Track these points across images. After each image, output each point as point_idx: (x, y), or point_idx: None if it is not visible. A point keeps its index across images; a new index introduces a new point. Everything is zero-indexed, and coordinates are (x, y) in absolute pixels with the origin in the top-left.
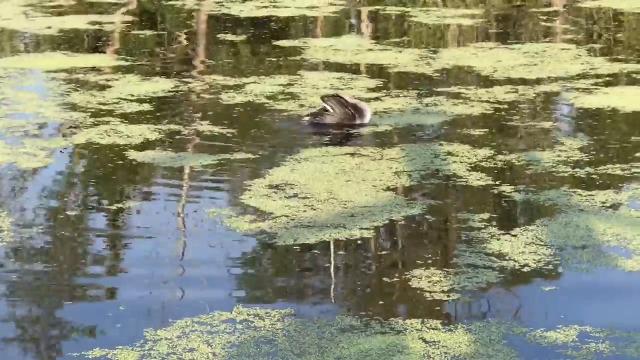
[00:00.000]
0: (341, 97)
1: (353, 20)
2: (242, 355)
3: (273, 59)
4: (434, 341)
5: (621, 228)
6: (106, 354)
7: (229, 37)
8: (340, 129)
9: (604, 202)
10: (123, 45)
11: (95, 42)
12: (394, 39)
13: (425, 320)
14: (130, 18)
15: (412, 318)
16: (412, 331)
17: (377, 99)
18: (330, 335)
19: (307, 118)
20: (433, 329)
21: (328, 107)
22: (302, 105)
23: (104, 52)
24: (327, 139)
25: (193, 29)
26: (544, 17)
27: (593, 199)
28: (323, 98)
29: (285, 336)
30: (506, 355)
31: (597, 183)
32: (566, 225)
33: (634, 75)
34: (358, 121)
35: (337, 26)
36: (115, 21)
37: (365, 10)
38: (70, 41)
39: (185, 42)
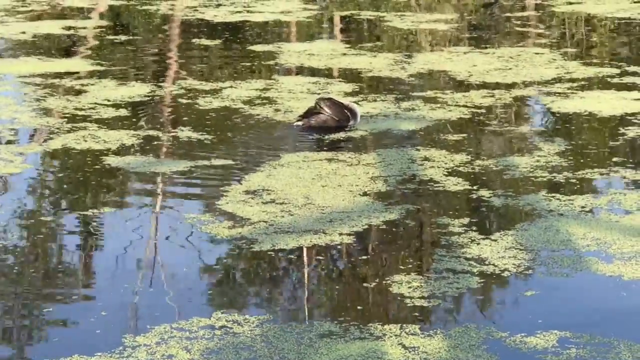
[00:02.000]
0: (335, 99)
1: (326, 25)
2: None
3: (248, 64)
4: (413, 347)
5: (601, 232)
6: None
7: (204, 41)
8: (334, 131)
9: (583, 207)
10: (98, 50)
11: (70, 47)
12: (368, 44)
13: (405, 325)
14: (104, 23)
15: (391, 324)
16: (391, 337)
17: (354, 103)
18: (309, 341)
19: (300, 123)
20: (412, 334)
21: (325, 109)
22: (277, 110)
23: (79, 57)
24: (303, 144)
25: (167, 34)
26: (518, 22)
27: (572, 204)
28: (318, 100)
29: (264, 342)
30: None
31: (576, 188)
32: (546, 229)
33: (608, 79)
34: (352, 122)
35: (311, 31)
36: (89, 26)
37: (339, 15)
38: (44, 46)
39: (159, 47)
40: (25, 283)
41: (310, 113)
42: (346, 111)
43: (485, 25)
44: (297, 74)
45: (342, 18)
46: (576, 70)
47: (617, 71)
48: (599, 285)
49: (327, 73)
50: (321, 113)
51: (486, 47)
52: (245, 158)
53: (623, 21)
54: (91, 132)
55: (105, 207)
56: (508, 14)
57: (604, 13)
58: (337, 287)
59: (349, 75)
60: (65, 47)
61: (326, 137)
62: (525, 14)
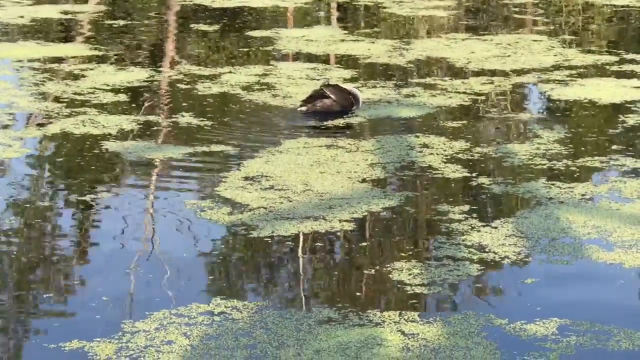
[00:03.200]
0: (339, 85)
1: (324, 12)
2: (220, 348)
3: (246, 50)
4: (412, 334)
5: (601, 220)
6: (84, 345)
7: (202, 27)
8: (336, 116)
9: (583, 195)
10: (96, 35)
11: (68, 31)
12: (366, 30)
13: (404, 312)
14: (102, 7)
15: (390, 310)
16: (390, 324)
17: (355, 89)
18: (308, 328)
19: (304, 107)
20: (411, 321)
21: (330, 94)
22: (276, 96)
23: (77, 42)
24: (302, 130)
25: (165, 19)
26: (516, 9)
27: (572, 191)
28: (322, 87)
29: (263, 328)
30: (485, 348)
31: (576, 175)
32: (546, 217)
33: (607, 67)
34: (355, 107)
35: (309, 17)
36: (87, 10)
37: (337, 1)
38: (43, 30)
39: (158, 32)
40: (24, 268)
41: (314, 97)
42: (350, 97)
43: (483, 12)
44: (296, 59)
45: (341, 4)
46: (574, 57)
47: (616, 59)
48: (599, 273)
49: (326, 59)
50: (326, 97)
51: (484, 34)
52: (244, 144)
53: (621, 9)
54: (90, 116)
55: (104, 193)
56: (506, 1)
57: (601, 0)
58: (336, 273)
59: (347, 61)
60: (64, 32)
61: (325, 123)
62: (522, 0)
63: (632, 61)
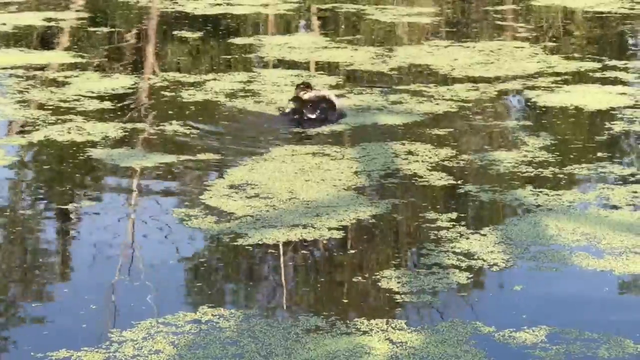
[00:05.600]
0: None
1: (306, 19)
2: (208, 357)
3: (229, 57)
4: (400, 342)
5: (590, 227)
6: (71, 355)
7: (185, 34)
8: (321, 124)
9: (571, 202)
10: (79, 42)
11: (51, 38)
12: (349, 37)
13: (392, 320)
14: (84, 15)
15: (378, 319)
16: (378, 332)
17: (340, 96)
18: (296, 337)
19: (291, 105)
20: (399, 329)
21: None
22: (260, 102)
23: (61, 49)
24: (287, 137)
25: (147, 26)
26: (498, 16)
27: (560, 199)
28: (313, 97)
29: (250, 337)
30: (474, 356)
31: (564, 182)
32: (535, 224)
33: (590, 73)
34: (335, 113)
35: (291, 24)
36: (69, 18)
37: (319, 8)
38: (25, 38)
39: (141, 39)
40: (10, 277)
41: (298, 109)
42: (331, 106)
43: (465, 19)
44: (279, 66)
45: (323, 11)
46: (558, 64)
47: (599, 65)
48: (588, 281)
49: (309, 66)
50: (309, 107)
51: (466, 41)
52: (228, 151)
53: (603, 15)
54: (75, 124)
55: (88, 201)
56: (487, 8)
57: (583, 7)
58: (323, 281)
59: (330, 68)
60: (47, 39)
61: (310, 130)
62: (504, 7)
63: (614, 68)
